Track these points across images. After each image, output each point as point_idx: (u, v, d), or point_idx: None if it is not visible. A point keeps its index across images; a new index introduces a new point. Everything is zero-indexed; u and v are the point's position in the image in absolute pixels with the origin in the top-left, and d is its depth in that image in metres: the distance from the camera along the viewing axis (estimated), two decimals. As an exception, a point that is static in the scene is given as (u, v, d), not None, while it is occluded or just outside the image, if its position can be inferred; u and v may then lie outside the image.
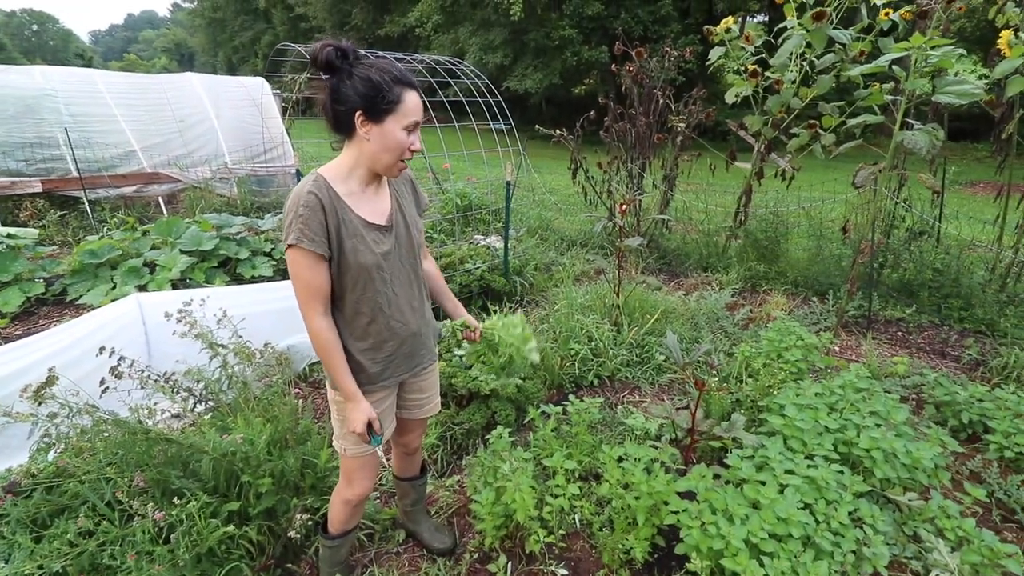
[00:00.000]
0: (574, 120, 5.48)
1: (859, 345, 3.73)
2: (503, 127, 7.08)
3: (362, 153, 1.39)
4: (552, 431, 2.25)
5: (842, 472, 1.90)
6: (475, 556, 1.97)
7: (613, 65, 5.58)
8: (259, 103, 8.25)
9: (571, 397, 2.39)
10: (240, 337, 2.31)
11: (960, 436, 2.65)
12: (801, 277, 4.70)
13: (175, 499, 1.62)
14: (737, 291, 4.59)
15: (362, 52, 1.38)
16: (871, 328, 3.96)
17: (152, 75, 8.58)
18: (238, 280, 4.53)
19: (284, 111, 8.92)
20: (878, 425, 2.17)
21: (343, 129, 1.38)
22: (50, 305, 4.31)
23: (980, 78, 3.59)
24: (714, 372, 3.10)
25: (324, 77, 1.33)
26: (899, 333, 3.92)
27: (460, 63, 7.54)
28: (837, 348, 3.70)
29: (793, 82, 4.32)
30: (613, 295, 3.58)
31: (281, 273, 4.81)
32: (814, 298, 4.41)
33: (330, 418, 2.51)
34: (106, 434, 1.80)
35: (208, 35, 50.24)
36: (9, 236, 4.67)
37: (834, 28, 3.93)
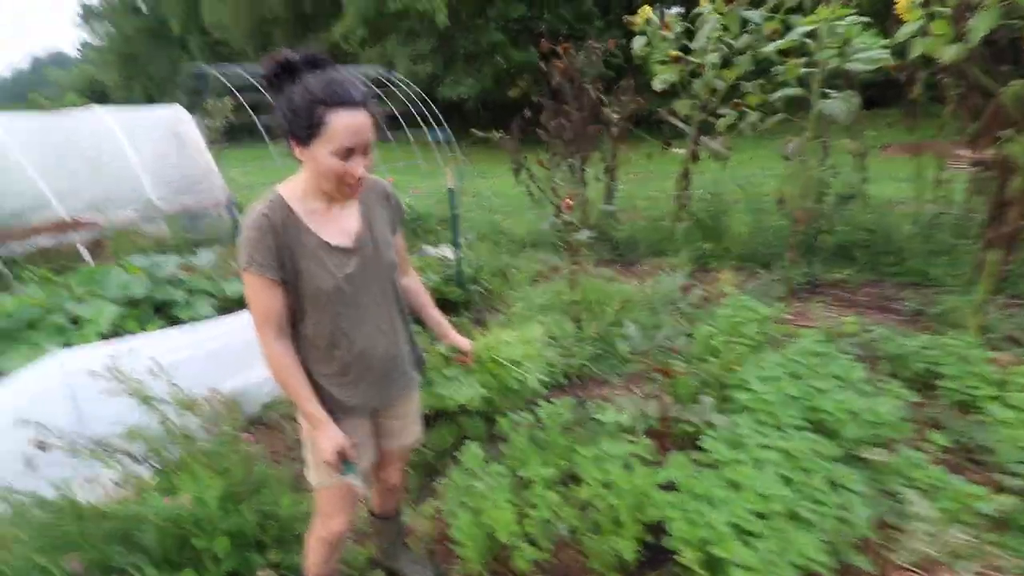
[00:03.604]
0: (512, 122, 5.45)
1: (809, 310, 3.85)
2: (441, 138, 6.98)
3: (309, 173, 1.28)
4: (526, 438, 2.18)
5: (814, 439, 1.92)
6: (461, 583, 1.88)
7: (542, 63, 5.59)
8: (178, 133, 7.79)
9: (540, 400, 2.33)
10: (175, 385, 2.13)
11: (914, 386, 2.76)
12: (746, 251, 4.83)
13: (117, 579, 1.46)
14: (689, 272, 4.68)
15: (321, 62, 1.20)
16: (817, 292, 4.11)
17: (52, 112, 7.89)
18: (177, 324, 4.23)
19: (211, 140, 8.48)
20: (840, 387, 2.22)
21: (289, 147, 1.25)
22: (-39, 378, 3.88)
23: (884, 47, 3.79)
24: (678, 356, 3.12)
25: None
26: (843, 294, 4.08)
27: (391, 73, 7.39)
28: (790, 316, 3.80)
29: (715, 65, 4.45)
30: (570, 291, 3.56)
31: (224, 311, 4.54)
32: (760, 270, 4.55)
33: (288, 459, 2.33)
34: (30, 518, 1.60)
35: (120, 70, 47.44)
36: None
37: (746, 10, 4.07)
